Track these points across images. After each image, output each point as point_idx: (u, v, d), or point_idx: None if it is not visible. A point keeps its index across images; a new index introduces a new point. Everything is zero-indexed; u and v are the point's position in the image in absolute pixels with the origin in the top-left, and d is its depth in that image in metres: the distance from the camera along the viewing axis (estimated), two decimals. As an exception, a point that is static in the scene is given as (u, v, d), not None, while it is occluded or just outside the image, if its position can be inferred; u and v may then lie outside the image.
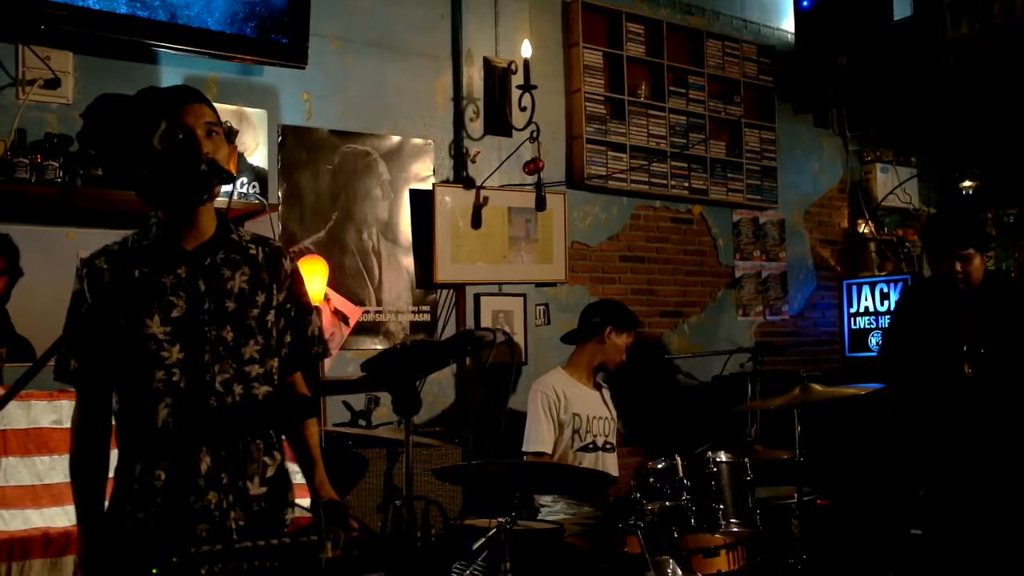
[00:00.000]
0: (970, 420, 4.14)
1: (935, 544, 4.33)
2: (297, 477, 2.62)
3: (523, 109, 5.02)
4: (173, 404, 2.25)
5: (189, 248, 2.32)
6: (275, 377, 2.41)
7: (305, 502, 2.56)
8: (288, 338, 2.47)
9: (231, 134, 4.14)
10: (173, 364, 2.25)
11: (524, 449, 4.44)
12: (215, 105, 2.37)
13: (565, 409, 4.47)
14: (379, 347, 4.78)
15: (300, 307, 2.50)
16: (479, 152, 5.19)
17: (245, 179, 4.26)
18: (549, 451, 4.42)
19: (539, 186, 4.98)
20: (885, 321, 6.59)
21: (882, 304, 6.72)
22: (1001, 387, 4.13)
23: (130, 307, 2.25)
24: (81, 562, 2.34)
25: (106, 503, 2.34)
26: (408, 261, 4.97)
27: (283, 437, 2.48)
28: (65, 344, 2.30)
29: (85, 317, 2.27)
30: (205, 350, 2.28)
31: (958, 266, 4.15)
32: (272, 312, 2.41)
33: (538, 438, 4.42)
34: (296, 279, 2.51)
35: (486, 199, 5.07)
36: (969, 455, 4.14)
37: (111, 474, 2.35)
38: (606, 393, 4.71)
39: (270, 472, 2.38)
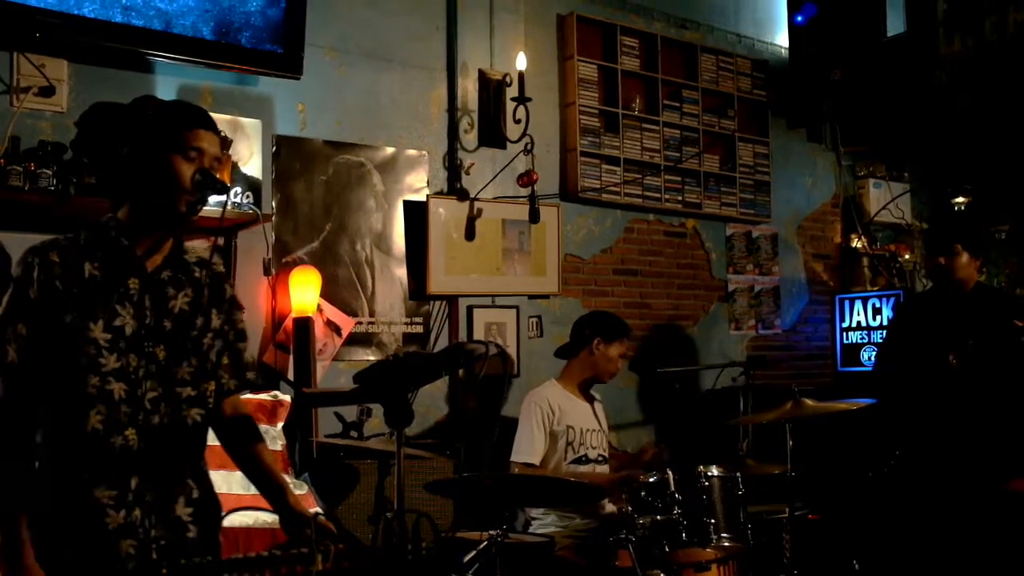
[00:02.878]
0: (954, 410, 4.19)
1: (923, 557, 4.35)
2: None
3: (517, 121, 5.02)
4: (105, 413, 2.24)
5: (145, 261, 2.33)
6: (209, 401, 2.42)
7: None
8: (225, 360, 2.49)
9: (226, 143, 4.13)
10: (109, 372, 2.25)
11: (514, 459, 4.43)
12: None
13: (559, 421, 4.46)
14: (371, 358, 4.77)
15: (236, 332, 2.53)
16: (473, 164, 5.19)
17: (239, 189, 4.26)
18: (538, 463, 4.41)
19: (533, 198, 4.97)
20: (877, 336, 6.60)
21: (874, 319, 6.73)
22: (982, 380, 4.19)
23: (76, 307, 2.24)
24: (4, 559, 2.22)
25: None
26: (401, 272, 4.97)
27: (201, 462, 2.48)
28: (3, 330, 2.23)
29: (30, 309, 2.23)
30: (141, 365, 2.29)
31: (942, 260, 4.29)
32: (209, 335, 2.42)
33: (529, 449, 4.40)
34: (234, 305, 2.54)
35: (480, 211, 5.06)
36: (953, 448, 4.18)
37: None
38: (598, 406, 4.70)
39: (196, 494, 2.39)
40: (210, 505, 2.45)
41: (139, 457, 2.27)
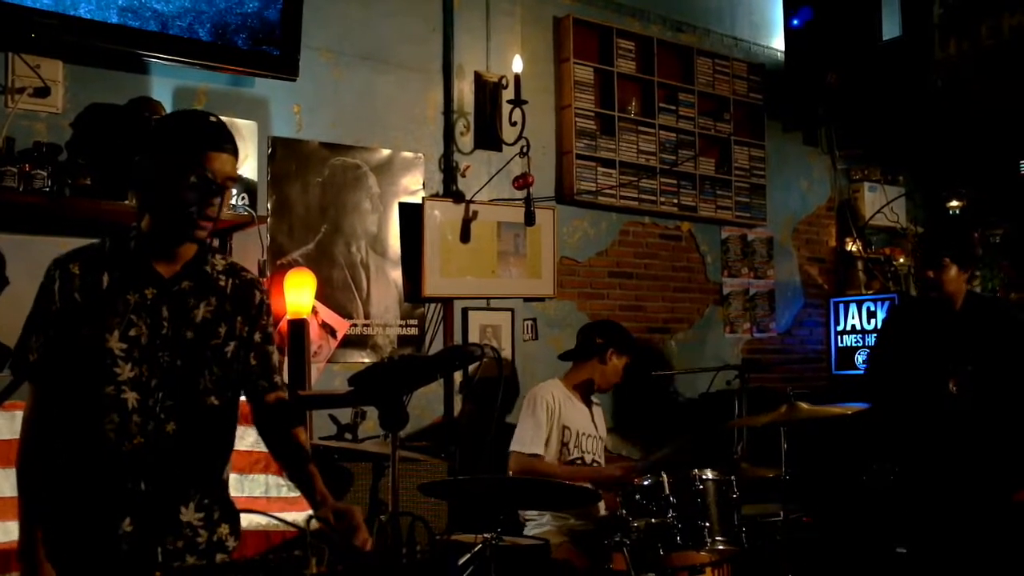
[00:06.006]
0: (954, 436, 4.17)
1: (920, 562, 4.34)
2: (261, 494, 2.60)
3: (513, 124, 5.03)
4: (118, 421, 2.27)
5: (163, 271, 2.35)
6: (230, 409, 2.44)
7: (290, 516, 2.54)
8: (253, 362, 2.49)
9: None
10: (124, 382, 2.27)
11: (517, 449, 4.39)
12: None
13: (559, 420, 4.47)
14: (366, 360, 4.77)
15: (264, 336, 2.52)
16: (469, 166, 5.20)
17: (234, 191, 4.25)
18: (543, 453, 4.39)
19: (528, 201, 4.98)
20: (872, 339, 6.60)
21: (869, 322, 6.74)
22: (984, 403, 4.17)
23: (93, 318, 2.27)
24: (20, 556, 2.31)
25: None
26: (396, 275, 4.96)
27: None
28: (26, 338, 2.32)
29: (51, 318, 2.29)
30: (155, 375, 2.30)
31: (930, 273, 4.27)
32: (233, 344, 2.43)
33: (533, 440, 4.38)
34: (266, 312, 2.53)
35: (475, 213, 5.07)
36: (952, 471, 4.16)
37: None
38: (597, 411, 4.70)
39: (207, 500, 2.39)
40: (221, 509, 2.44)
41: (149, 465, 2.29)
